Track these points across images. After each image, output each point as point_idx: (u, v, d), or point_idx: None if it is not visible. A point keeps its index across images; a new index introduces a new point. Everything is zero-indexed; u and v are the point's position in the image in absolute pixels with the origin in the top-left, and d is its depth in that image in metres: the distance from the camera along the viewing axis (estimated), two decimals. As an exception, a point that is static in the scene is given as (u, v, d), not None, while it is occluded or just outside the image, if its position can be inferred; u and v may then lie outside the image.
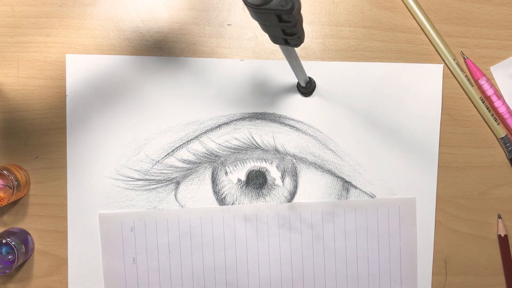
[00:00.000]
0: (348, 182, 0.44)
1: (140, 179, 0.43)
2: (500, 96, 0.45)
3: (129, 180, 0.43)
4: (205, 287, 0.43)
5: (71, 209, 0.42)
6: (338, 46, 0.44)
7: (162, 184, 0.43)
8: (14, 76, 0.42)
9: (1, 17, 0.42)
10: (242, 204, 0.43)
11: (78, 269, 0.43)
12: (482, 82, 0.44)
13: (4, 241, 0.39)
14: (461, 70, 0.44)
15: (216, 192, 0.43)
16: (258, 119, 0.43)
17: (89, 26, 0.42)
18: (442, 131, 0.45)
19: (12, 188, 0.39)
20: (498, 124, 0.45)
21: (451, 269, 0.46)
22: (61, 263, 0.43)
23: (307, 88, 0.43)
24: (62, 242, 0.43)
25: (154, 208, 0.43)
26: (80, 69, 0.42)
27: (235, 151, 0.43)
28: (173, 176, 0.43)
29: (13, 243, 0.39)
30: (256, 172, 0.43)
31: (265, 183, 0.43)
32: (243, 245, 0.43)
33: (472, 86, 0.44)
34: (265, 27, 0.29)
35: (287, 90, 0.44)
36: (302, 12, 0.28)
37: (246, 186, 0.43)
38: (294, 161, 0.44)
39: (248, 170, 0.43)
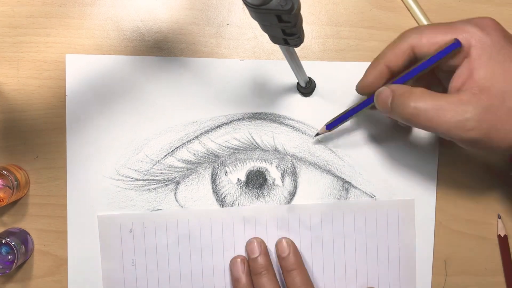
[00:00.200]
0: (348, 182, 0.44)
1: (139, 179, 0.43)
2: None
3: (129, 180, 0.43)
4: None
5: (71, 209, 0.42)
6: (338, 46, 0.44)
7: (162, 184, 0.43)
8: (13, 76, 0.42)
9: (1, 17, 0.42)
10: (242, 204, 0.43)
11: (78, 270, 0.43)
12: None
13: (3, 241, 0.39)
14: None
15: (216, 192, 0.43)
16: (258, 119, 0.43)
17: (88, 26, 0.42)
18: (442, 131, 0.45)
19: (11, 188, 0.39)
20: None
21: (451, 269, 0.46)
22: (61, 263, 0.43)
23: (307, 88, 0.43)
24: (61, 242, 0.43)
25: (153, 208, 0.43)
26: (80, 69, 0.42)
27: (235, 151, 0.43)
28: (173, 176, 0.43)
29: (12, 243, 0.39)
30: (256, 172, 0.43)
31: (265, 183, 0.43)
32: (242, 247, 0.43)
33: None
34: (265, 27, 0.29)
35: (287, 90, 0.44)
36: (302, 12, 0.28)
37: (246, 186, 0.43)
38: (294, 161, 0.44)
39: (248, 170, 0.43)
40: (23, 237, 0.41)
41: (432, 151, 0.45)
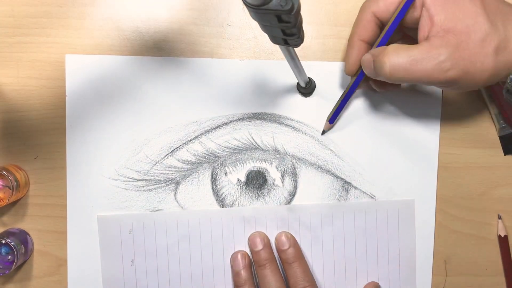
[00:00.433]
0: (348, 182, 0.44)
1: (139, 180, 0.43)
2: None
3: (129, 181, 0.43)
4: None
5: (70, 209, 0.42)
6: (338, 46, 0.44)
7: (162, 184, 0.43)
8: (13, 76, 0.42)
9: (0, 17, 0.42)
10: (242, 204, 0.43)
11: (77, 270, 0.43)
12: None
13: (3, 241, 0.39)
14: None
15: (215, 192, 0.43)
16: (257, 119, 0.43)
17: (88, 26, 0.42)
18: (442, 131, 0.45)
19: (11, 188, 0.39)
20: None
21: (451, 270, 0.46)
22: (61, 263, 0.43)
23: (307, 88, 0.43)
24: (61, 242, 0.43)
25: (153, 209, 0.43)
26: (80, 69, 0.42)
27: (234, 151, 0.43)
28: (172, 176, 0.43)
29: (12, 243, 0.39)
30: (255, 172, 0.43)
31: (265, 184, 0.43)
32: (242, 247, 0.43)
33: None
34: (265, 27, 0.29)
35: (287, 90, 0.44)
36: (302, 12, 0.28)
37: (246, 186, 0.43)
38: (294, 161, 0.43)
39: (247, 171, 0.43)
40: (23, 237, 0.41)
41: (432, 151, 0.45)
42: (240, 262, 0.42)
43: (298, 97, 0.44)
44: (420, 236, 0.45)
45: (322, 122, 0.43)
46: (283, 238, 0.42)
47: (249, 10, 0.26)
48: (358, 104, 0.44)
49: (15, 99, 0.42)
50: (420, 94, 0.44)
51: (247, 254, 0.43)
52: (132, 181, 0.43)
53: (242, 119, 0.43)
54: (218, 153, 0.43)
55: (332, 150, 0.44)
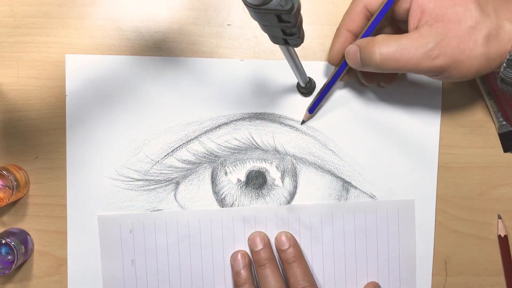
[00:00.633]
0: (348, 182, 0.44)
1: (139, 180, 0.43)
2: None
3: (129, 181, 0.43)
4: None
5: (70, 209, 0.42)
6: (338, 46, 0.44)
7: (162, 184, 0.43)
8: (13, 76, 0.42)
9: (0, 17, 0.42)
10: (242, 204, 0.43)
11: (77, 270, 0.43)
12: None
13: (3, 241, 0.39)
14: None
15: (216, 192, 0.43)
16: (258, 119, 0.43)
17: (88, 26, 0.42)
18: (442, 131, 0.45)
19: (11, 188, 0.39)
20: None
21: (451, 270, 0.46)
22: (61, 263, 0.43)
23: (307, 88, 0.43)
24: (61, 242, 0.43)
25: (153, 209, 0.43)
26: (80, 69, 0.42)
27: (234, 151, 0.43)
28: (172, 176, 0.43)
29: (12, 243, 0.39)
30: (255, 172, 0.43)
31: (265, 184, 0.43)
32: (242, 247, 0.43)
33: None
34: (265, 27, 0.29)
35: (287, 90, 0.44)
36: (302, 12, 0.28)
37: (246, 186, 0.43)
38: (294, 161, 0.43)
39: (247, 171, 0.43)
40: (23, 237, 0.41)
41: (432, 151, 0.45)
42: (240, 261, 0.42)
43: (298, 97, 0.44)
44: (420, 236, 0.45)
45: (322, 122, 0.43)
46: (283, 238, 0.42)
47: (249, 10, 0.26)
48: (357, 105, 0.44)
49: (15, 99, 0.42)
50: (420, 94, 0.44)
51: (247, 254, 0.43)
52: (132, 181, 0.43)
53: (242, 119, 0.43)
54: (218, 153, 0.43)
55: (332, 150, 0.44)
